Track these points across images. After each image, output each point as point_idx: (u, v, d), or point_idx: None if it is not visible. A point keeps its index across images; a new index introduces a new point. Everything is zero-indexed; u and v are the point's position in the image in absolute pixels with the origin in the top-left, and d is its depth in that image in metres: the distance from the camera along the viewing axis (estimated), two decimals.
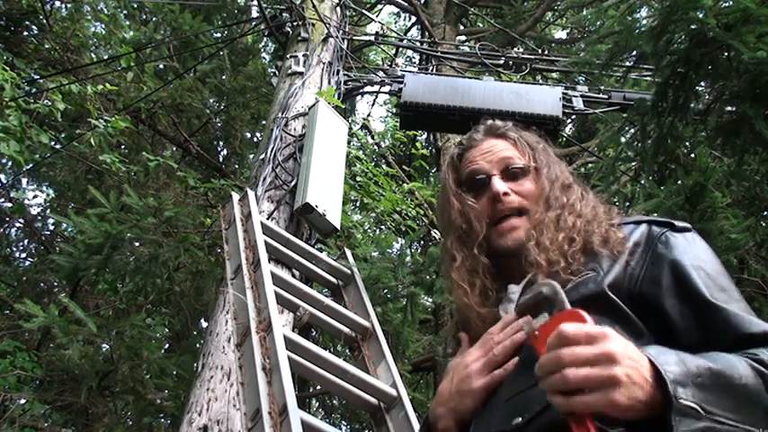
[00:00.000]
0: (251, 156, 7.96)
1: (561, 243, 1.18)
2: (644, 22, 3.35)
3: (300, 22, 5.07)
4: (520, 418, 1.04)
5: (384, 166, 6.60)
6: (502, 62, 5.33)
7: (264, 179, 3.80)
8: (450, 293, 1.33)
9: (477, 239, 1.27)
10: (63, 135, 6.97)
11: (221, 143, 8.40)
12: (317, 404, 7.76)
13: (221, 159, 8.27)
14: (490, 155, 1.33)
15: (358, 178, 5.55)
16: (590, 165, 7.23)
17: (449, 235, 1.34)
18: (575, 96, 4.67)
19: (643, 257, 1.14)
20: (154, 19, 7.46)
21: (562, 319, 0.92)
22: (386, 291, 4.78)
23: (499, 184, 1.28)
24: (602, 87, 4.83)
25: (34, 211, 8.16)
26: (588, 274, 1.14)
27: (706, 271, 1.10)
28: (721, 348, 1.00)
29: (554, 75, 7.63)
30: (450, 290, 1.31)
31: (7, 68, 4.96)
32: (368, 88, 5.37)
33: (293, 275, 3.19)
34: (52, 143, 6.12)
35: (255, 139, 8.04)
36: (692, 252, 1.13)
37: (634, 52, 3.48)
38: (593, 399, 0.86)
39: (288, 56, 4.86)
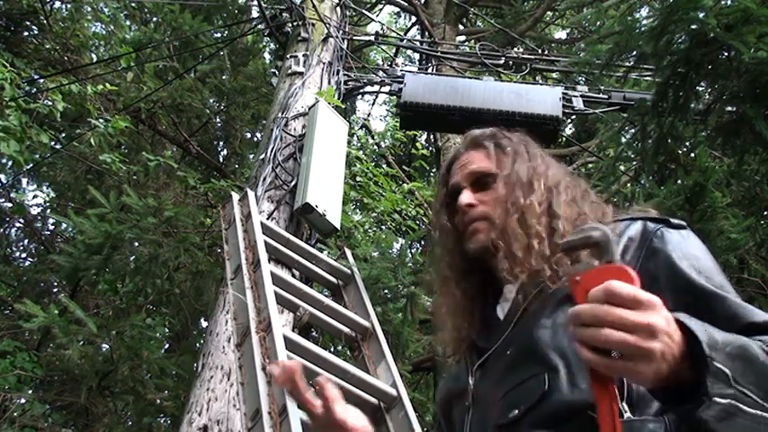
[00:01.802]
0: (251, 156, 7.96)
1: (540, 250, 1.17)
2: (644, 22, 3.35)
3: (300, 22, 5.07)
4: (516, 411, 1.05)
5: (384, 166, 6.60)
6: (502, 62, 5.33)
7: (264, 179, 3.80)
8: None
9: (456, 249, 1.32)
10: (63, 135, 6.97)
11: (221, 143, 8.41)
12: None
13: (221, 159, 8.27)
14: (463, 168, 1.35)
15: (358, 178, 5.55)
16: (590, 165, 7.23)
17: (434, 247, 1.41)
18: (575, 96, 4.67)
19: (638, 253, 1.13)
20: (154, 19, 7.46)
21: (610, 272, 0.88)
22: (386, 291, 4.79)
23: (464, 197, 1.30)
24: (602, 87, 4.83)
25: (34, 211, 8.17)
26: None
27: (702, 265, 1.10)
28: None
29: (554, 75, 7.64)
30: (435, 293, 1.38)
31: (7, 65, 4.96)
32: (368, 88, 5.37)
33: (293, 275, 3.18)
34: (52, 143, 6.12)
35: (255, 139, 8.04)
36: (687, 248, 1.13)
37: (634, 52, 3.48)
38: (621, 366, 0.84)
39: (288, 56, 4.86)
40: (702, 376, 0.85)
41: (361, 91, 5.45)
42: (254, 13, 7.75)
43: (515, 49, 5.75)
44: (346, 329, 2.77)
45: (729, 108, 3.30)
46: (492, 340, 1.20)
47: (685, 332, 0.87)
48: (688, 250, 1.12)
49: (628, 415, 0.95)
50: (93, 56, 7.17)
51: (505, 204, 1.25)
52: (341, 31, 5.13)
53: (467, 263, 1.30)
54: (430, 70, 6.51)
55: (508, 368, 1.12)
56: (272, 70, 5.61)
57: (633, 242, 1.15)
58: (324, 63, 4.73)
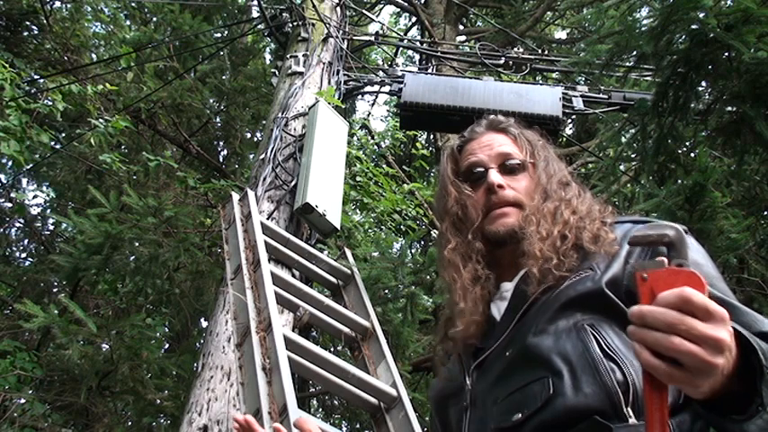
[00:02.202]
0: (251, 156, 7.95)
1: (555, 238, 1.18)
2: (644, 22, 3.35)
3: (300, 22, 5.07)
4: (519, 414, 1.04)
5: (384, 166, 6.59)
6: (502, 62, 5.33)
7: (264, 179, 3.81)
8: (441, 273, 1.32)
9: (471, 226, 1.28)
10: (63, 135, 6.98)
11: (221, 143, 8.41)
12: (317, 404, 7.76)
13: (221, 159, 8.27)
14: (489, 148, 1.33)
15: (358, 178, 5.54)
16: (590, 165, 7.23)
17: (444, 222, 1.35)
18: (575, 96, 4.67)
19: (641, 256, 1.13)
20: (154, 19, 7.46)
21: (681, 277, 0.85)
22: (386, 291, 4.79)
23: (495, 177, 1.28)
24: (602, 87, 4.83)
25: (34, 211, 8.16)
26: (586, 273, 1.13)
27: (705, 272, 1.10)
28: None
29: (554, 75, 7.63)
30: (441, 269, 1.30)
31: (7, 65, 4.96)
32: (368, 88, 5.37)
33: (293, 275, 3.19)
34: (52, 143, 6.13)
35: (255, 139, 8.04)
36: (691, 255, 1.14)
37: (634, 52, 3.49)
38: (682, 376, 0.82)
39: (288, 56, 4.86)
40: (758, 387, 0.84)
41: (361, 91, 5.45)
42: (255, 13, 7.75)
43: (515, 49, 5.76)
44: (346, 329, 2.77)
45: (729, 108, 3.30)
46: (489, 340, 1.19)
47: (739, 344, 0.86)
48: (692, 259, 1.13)
49: (632, 420, 0.96)
50: (93, 56, 7.17)
51: (544, 192, 1.26)
52: (341, 31, 5.13)
53: (483, 240, 1.28)
54: (430, 70, 6.52)
55: (508, 370, 1.12)
56: (273, 70, 5.61)
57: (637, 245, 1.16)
58: (324, 63, 4.73)
